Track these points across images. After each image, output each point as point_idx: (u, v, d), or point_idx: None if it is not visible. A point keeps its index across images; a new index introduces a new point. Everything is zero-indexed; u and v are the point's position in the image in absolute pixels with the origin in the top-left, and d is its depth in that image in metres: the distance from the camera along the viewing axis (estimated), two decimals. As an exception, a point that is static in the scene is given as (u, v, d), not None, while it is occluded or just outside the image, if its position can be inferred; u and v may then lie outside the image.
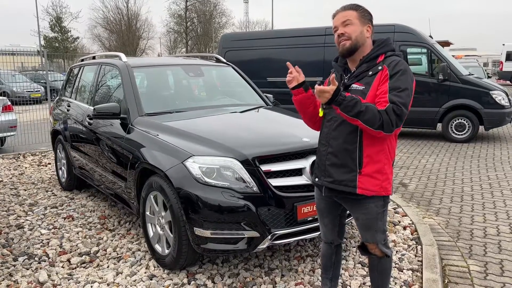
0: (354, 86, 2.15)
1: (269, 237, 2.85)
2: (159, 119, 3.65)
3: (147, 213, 3.38)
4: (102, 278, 3.17)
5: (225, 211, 2.80)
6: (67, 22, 45.74)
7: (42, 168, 6.77)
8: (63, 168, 5.46)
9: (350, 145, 2.15)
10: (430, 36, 9.99)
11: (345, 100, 1.98)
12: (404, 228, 4.01)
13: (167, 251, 3.17)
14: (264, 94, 4.71)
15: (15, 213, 4.62)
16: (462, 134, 8.84)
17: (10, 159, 7.47)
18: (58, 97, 5.87)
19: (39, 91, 17.51)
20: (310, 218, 2.97)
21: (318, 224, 3.00)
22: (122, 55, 4.35)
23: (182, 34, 50.79)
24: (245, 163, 2.89)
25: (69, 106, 5.21)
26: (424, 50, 9.21)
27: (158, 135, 3.36)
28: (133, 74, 4.05)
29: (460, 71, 8.91)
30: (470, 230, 4.08)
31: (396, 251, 3.52)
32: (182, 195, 2.88)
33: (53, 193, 5.40)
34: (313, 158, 3.06)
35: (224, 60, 4.93)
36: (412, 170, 6.60)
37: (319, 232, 3.03)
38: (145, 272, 3.20)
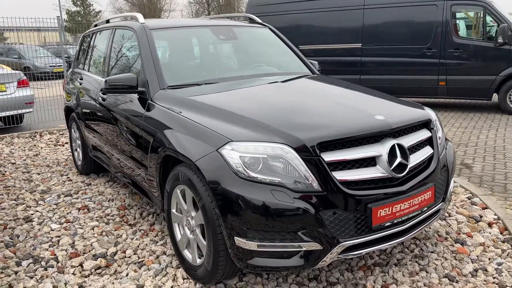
0: None
1: (335, 249, 2.13)
2: (184, 93, 2.92)
3: (173, 211, 2.70)
4: (119, 293, 2.55)
5: (275, 216, 2.09)
6: (89, -5, 45.24)
7: (58, 149, 6.21)
8: (78, 149, 4.85)
9: None
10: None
11: None
12: (490, 225, 3.21)
13: (199, 261, 2.50)
14: (309, 60, 3.91)
15: (25, 203, 4.05)
16: (523, 106, 7.82)
17: (26, 138, 6.96)
18: (71, 69, 5.22)
19: (61, 65, 17.09)
20: (388, 223, 2.23)
21: (397, 229, 2.29)
22: (139, 15, 3.61)
23: (204, 5, 49.42)
24: (302, 150, 2.14)
25: (81, 79, 4.54)
26: (480, 9, 8.10)
27: (181, 112, 2.65)
28: (152, 38, 3.31)
29: (523, 32, 7.80)
30: None
31: (489, 259, 2.75)
32: (217, 194, 2.18)
33: (68, 178, 4.82)
34: (391, 142, 2.29)
35: (260, 21, 4.12)
36: (472, 148, 5.72)
37: (397, 240, 2.31)
38: (171, 287, 2.55)
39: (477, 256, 2.77)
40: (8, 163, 5.46)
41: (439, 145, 2.64)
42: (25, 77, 7.92)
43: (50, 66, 16.02)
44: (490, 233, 3.07)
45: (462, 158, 5.28)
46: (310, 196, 2.10)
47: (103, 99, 3.72)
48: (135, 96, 3.17)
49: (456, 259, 2.75)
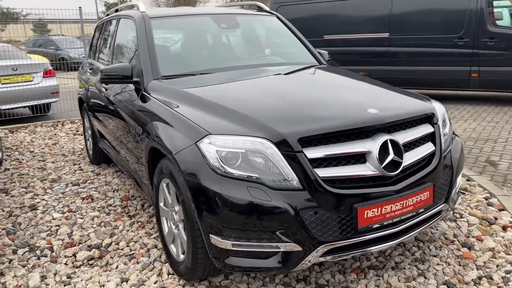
0: None
1: (316, 251, 1.99)
2: (177, 84, 2.84)
3: (161, 204, 2.64)
4: (103, 286, 2.51)
5: (253, 214, 1.97)
6: (126, -13, 46.16)
7: (77, 138, 6.31)
8: (90, 139, 4.89)
9: None
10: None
11: None
12: (504, 228, 2.96)
13: (182, 257, 2.43)
14: (317, 50, 3.74)
15: (33, 191, 4.12)
16: (562, 99, 7.28)
17: (49, 127, 7.12)
18: (85, 60, 5.26)
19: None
20: (377, 225, 2.07)
21: (387, 232, 2.12)
22: (140, 4, 3.54)
23: (238, -5, 49.35)
24: (283, 145, 2.01)
25: (91, 69, 4.56)
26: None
27: (169, 103, 2.56)
28: (151, 26, 3.24)
29: None
30: None
31: (497, 266, 2.53)
32: (193, 188, 2.09)
33: (80, 167, 4.87)
34: (384, 137, 2.12)
35: (267, 8, 3.97)
36: (501, 144, 5.36)
37: (388, 243, 2.14)
38: (155, 282, 2.49)
39: (484, 262, 2.55)
40: (27, 151, 5.60)
41: (443, 142, 2.43)
42: (50, 67, 8.09)
43: (83, 56, 16.47)
44: (503, 237, 2.83)
45: (488, 155, 4.96)
46: (289, 194, 1.97)
47: (105, 89, 3.70)
48: (132, 86, 3.12)
49: (460, 265, 2.54)
